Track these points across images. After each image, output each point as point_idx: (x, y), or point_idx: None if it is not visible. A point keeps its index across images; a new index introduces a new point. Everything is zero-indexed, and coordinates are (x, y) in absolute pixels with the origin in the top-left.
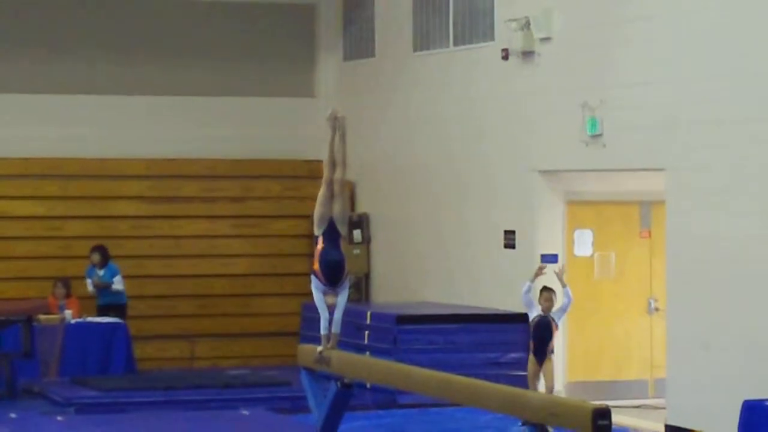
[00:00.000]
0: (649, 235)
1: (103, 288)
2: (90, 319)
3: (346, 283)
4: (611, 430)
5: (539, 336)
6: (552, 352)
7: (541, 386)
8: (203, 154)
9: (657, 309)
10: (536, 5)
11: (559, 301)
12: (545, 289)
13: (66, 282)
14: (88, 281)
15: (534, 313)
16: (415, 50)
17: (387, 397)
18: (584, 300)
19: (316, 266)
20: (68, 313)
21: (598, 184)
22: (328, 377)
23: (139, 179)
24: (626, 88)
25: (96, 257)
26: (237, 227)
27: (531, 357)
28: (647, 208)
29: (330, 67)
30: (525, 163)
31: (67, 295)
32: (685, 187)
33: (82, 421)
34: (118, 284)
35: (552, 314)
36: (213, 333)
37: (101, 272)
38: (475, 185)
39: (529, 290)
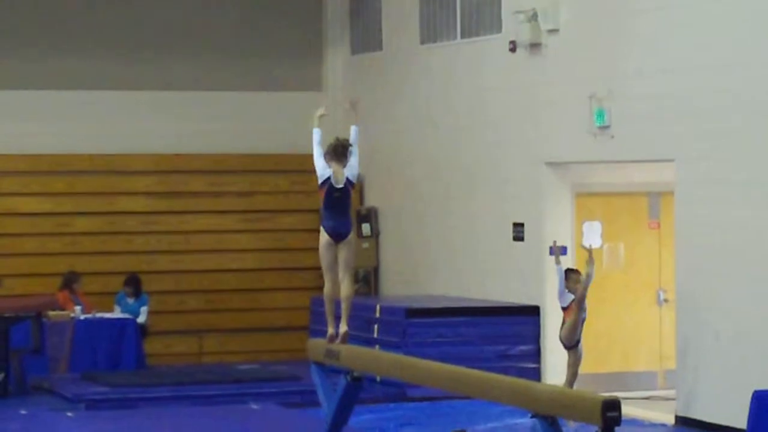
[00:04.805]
0: (658, 226)
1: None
2: (99, 315)
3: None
4: (621, 422)
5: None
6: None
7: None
8: (210, 149)
9: (666, 300)
10: None
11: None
12: (573, 272)
13: (79, 276)
14: (117, 308)
15: (568, 299)
16: (422, 43)
17: (397, 391)
18: (593, 291)
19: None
20: (78, 309)
21: (606, 175)
22: (337, 371)
23: (147, 175)
24: (634, 79)
25: (129, 289)
26: (245, 222)
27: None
28: (656, 198)
29: (337, 60)
30: (533, 155)
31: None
32: (694, 177)
33: (91, 417)
34: (143, 315)
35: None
36: (222, 328)
37: (131, 301)
38: (483, 178)
39: (563, 278)
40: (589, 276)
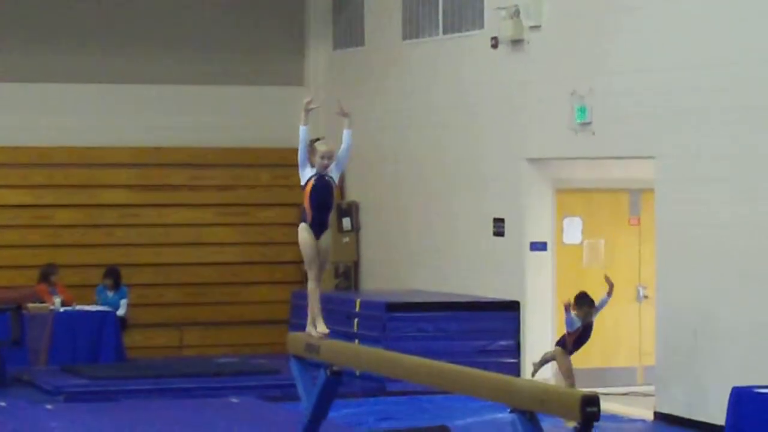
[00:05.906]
0: (638, 223)
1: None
2: (79, 307)
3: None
4: (600, 417)
5: (581, 340)
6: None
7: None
8: (192, 143)
9: (646, 296)
10: None
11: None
12: (587, 302)
13: (56, 268)
14: (97, 300)
15: (575, 324)
16: (404, 39)
17: (376, 385)
18: (573, 288)
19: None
20: (58, 300)
21: (587, 171)
22: (317, 365)
23: (127, 168)
24: (615, 76)
25: (109, 281)
26: (226, 215)
27: (561, 350)
28: (636, 195)
29: (319, 55)
30: (514, 151)
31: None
32: (674, 174)
33: (71, 410)
34: (122, 308)
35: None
36: (202, 321)
37: (111, 294)
38: (464, 173)
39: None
40: (601, 305)
